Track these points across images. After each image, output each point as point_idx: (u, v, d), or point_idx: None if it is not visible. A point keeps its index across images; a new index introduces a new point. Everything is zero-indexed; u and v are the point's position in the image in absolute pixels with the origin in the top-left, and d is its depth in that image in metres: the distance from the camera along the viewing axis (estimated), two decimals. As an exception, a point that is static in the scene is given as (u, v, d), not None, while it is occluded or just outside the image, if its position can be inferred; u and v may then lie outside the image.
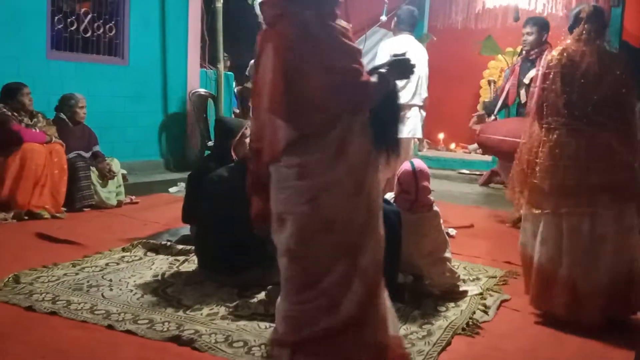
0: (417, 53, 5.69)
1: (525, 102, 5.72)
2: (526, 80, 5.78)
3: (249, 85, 7.95)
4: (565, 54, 3.50)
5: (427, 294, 3.75)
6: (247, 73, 8.23)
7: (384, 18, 7.28)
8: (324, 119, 2.48)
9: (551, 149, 3.45)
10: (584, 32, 3.53)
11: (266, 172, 2.60)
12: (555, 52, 3.57)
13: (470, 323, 3.39)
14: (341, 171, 2.49)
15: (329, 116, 2.49)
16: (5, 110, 5.60)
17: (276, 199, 2.58)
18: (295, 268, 2.57)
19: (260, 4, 2.70)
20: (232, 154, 4.56)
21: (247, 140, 4.59)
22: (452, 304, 3.65)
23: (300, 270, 2.56)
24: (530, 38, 5.83)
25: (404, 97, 5.96)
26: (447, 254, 3.81)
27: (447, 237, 3.91)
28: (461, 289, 3.81)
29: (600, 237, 3.40)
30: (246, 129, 4.70)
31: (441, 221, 3.84)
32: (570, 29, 3.63)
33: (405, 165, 3.81)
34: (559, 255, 3.44)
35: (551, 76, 3.49)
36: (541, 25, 5.83)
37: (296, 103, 2.45)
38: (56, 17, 6.80)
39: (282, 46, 2.48)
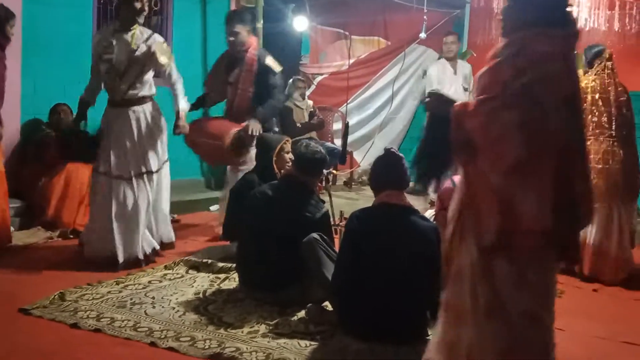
0: None
1: None
2: None
3: (288, 104, 8.00)
4: (597, 83, 4.71)
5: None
6: (286, 92, 8.29)
7: (423, 35, 7.29)
8: None
9: (604, 155, 4.61)
10: (607, 67, 4.75)
11: None
12: (587, 81, 4.70)
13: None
14: None
15: None
16: (49, 131, 5.75)
17: None
18: None
19: None
20: (274, 167, 4.59)
21: (287, 154, 4.62)
22: (495, 324, 3.58)
23: None
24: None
25: None
26: (490, 272, 3.73)
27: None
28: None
29: (627, 221, 4.70)
30: (285, 142, 4.72)
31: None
32: (590, 62, 4.83)
33: (447, 183, 3.77)
34: (607, 237, 4.61)
35: (589, 98, 4.66)
36: None
37: None
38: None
39: None
